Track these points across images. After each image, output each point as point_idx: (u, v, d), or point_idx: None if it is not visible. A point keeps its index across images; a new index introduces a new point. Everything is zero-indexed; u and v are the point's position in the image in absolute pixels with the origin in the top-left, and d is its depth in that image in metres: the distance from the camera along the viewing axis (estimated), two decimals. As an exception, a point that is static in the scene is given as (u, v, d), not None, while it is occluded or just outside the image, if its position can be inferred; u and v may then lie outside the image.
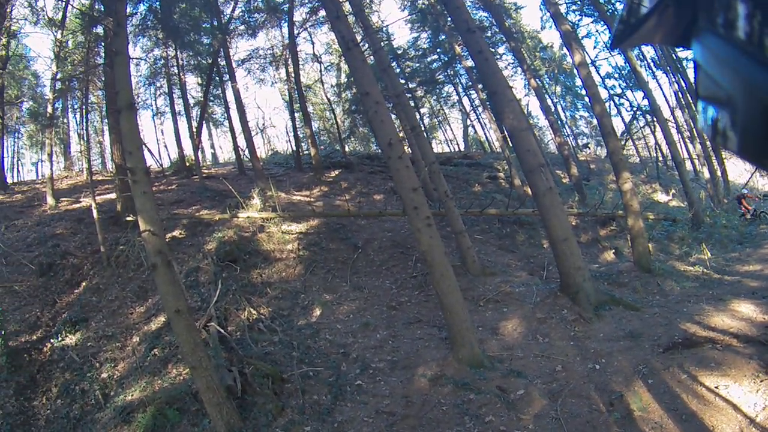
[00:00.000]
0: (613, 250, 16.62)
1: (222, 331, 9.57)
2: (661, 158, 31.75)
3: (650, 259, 12.94)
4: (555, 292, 10.93)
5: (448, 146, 39.28)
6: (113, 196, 15.49)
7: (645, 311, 10.29)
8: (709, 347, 8.19)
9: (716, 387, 7.13)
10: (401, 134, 15.66)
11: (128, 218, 13.60)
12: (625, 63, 28.43)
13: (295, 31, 22.69)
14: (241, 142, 19.96)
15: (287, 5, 21.62)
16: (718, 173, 26.15)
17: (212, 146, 35.77)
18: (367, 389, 7.98)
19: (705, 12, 0.66)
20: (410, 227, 9.65)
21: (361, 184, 19.06)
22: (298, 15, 23.68)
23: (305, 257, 12.49)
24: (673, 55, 27.64)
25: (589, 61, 25.43)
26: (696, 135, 27.91)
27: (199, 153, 22.70)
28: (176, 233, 13.72)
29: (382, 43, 19.85)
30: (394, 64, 25.49)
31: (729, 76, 0.60)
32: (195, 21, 21.09)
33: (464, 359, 8.41)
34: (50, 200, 16.58)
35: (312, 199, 16.61)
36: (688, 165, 30.15)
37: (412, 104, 25.21)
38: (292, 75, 22.36)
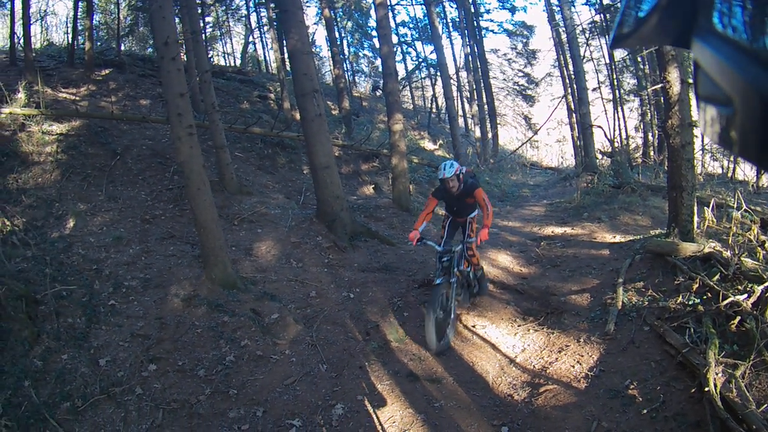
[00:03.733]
0: (373, 186, 16.96)
1: (-26, 244, 8.03)
2: (435, 110, 33.24)
3: (410, 199, 13.49)
4: (311, 218, 10.94)
5: (225, 60, 37.51)
6: None
7: (401, 247, 10.73)
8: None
9: (473, 326, 7.60)
10: (181, 38, 14.80)
11: None
12: (424, 17, 29.21)
13: None
14: (20, 29, 17.08)
15: None
16: (490, 135, 28.03)
17: (-11, 30, 30.47)
18: (121, 310, 7.24)
19: (705, 12, 0.66)
20: (172, 136, 9.01)
21: (130, 86, 17.30)
22: None
23: (63, 161, 11.00)
24: (474, 22, 28.91)
25: (388, 4, 25.71)
26: (475, 98, 29.61)
27: (-26, 35, 19.14)
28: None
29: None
30: (195, -37, 23.90)
31: (729, 77, 0.59)
32: None
33: (217, 279, 8.06)
34: None
35: (78, 98, 14.60)
36: (461, 122, 32.08)
37: (199, 11, 23.87)
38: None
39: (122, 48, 23.68)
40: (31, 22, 17.48)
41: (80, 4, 20.50)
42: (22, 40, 16.48)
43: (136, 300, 7.60)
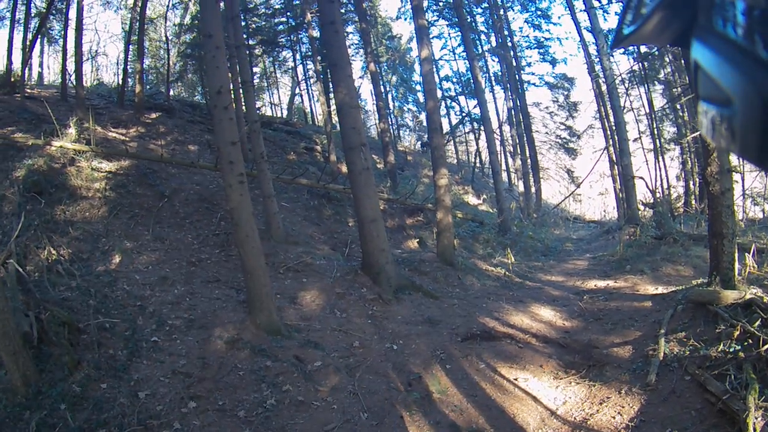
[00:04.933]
0: (418, 240, 17.03)
1: (21, 270, 8.36)
2: (478, 165, 33.36)
3: (454, 254, 13.42)
4: (356, 269, 11.08)
5: (272, 110, 38.36)
6: None
7: (444, 301, 10.71)
8: (507, 342, 8.71)
9: (515, 379, 7.58)
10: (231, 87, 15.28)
11: None
12: (467, 71, 29.56)
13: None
14: (71, 66, 18.04)
15: None
16: (533, 189, 27.97)
17: (41, 65, 31.80)
18: (164, 347, 7.49)
19: (705, 12, 0.66)
20: (221, 183, 9.25)
21: (179, 131, 17.98)
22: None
23: (111, 199, 11.51)
24: (516, 76, 29.19)
25: (433, 59, 26.21)
26: (518, 152, 29.66)
27: (27, 69, 20.09)
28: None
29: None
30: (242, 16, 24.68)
31: (729, 76, 0.60)
32: None
33: (262, 325, 8.24)
34: None
35: (127, 139, 15.28)
36: (504, 176, 32.09)
37: (248, 61, 24.63)
38: (139, 4, 20.63)
39: (171, 93, 24.44)
40: (84, 59, 18.31)
41: (131, 47, 21.49)
42: (73, 77, 17.31)
43: (179, 339, 7.83)
